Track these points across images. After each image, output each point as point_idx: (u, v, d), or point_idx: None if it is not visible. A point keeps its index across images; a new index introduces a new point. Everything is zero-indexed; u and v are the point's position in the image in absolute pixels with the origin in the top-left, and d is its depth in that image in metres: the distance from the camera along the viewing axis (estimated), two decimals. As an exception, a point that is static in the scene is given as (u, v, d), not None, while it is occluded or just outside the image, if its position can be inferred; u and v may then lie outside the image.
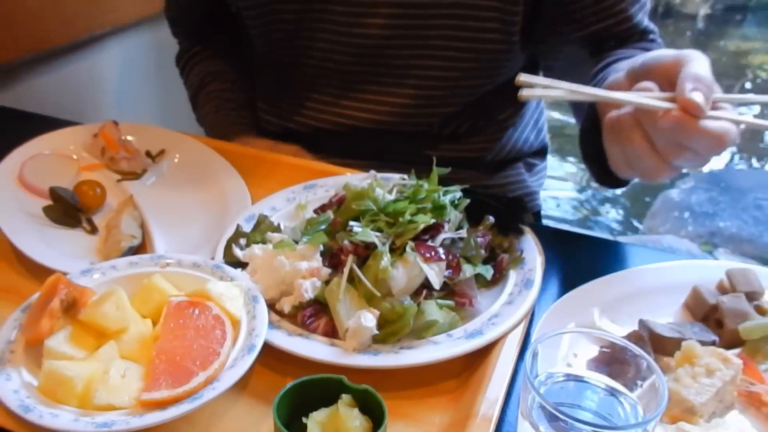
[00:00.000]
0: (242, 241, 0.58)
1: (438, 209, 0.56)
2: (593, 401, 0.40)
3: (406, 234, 0.53)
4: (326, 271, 0.52)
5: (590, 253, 0.65)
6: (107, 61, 1.19)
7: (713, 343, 0.51)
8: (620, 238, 2.51)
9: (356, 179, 0.64)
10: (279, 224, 0.60)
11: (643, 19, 0.77)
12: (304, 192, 0.67)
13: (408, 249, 0.52)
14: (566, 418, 0.34)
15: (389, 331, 0.49)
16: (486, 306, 0.54)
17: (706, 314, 0.54)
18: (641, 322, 0.52)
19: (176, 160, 0.75)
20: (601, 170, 0.64)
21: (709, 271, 0.58)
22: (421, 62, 0.78)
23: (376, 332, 0.48)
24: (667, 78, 0.53)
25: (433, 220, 0.54)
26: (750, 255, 2.48)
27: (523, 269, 0.57)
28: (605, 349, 0.43)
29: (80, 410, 0.41)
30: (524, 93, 0.52)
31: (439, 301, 0.52)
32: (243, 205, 0.67)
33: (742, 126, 0.53)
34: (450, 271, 0.53)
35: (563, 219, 2.87)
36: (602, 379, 0.41)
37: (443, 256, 0.52)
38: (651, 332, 0.51)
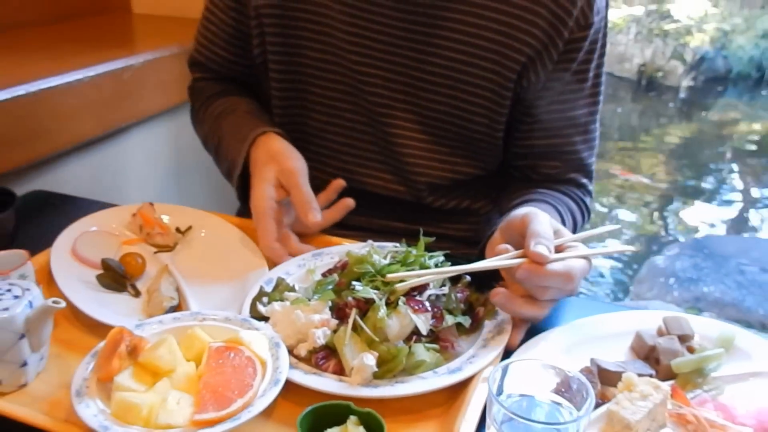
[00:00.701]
0: (264, 299, 0.70)
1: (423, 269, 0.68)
2: (542, 412, 0.52)
3: (398, 291, 0.65)
4: (334, 322, 0.65)
5: (558, 305, 0.77)
6: (132, 147, 1.35)
7: (651, 376, 0.62)
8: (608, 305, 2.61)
9: (356, 248, 0.77)
10: (294, 285, 0.73)
11: (582, 157, 0.94)
12: (312, 259, 0.80)
13: (400, 303, 0.64)
14: (520, 418, 0.46)
15: (386, 369, 0.61)
16: (465, 348, 0.66)
17: (647, 354, 0.66)
18: (592, 360, 0.64)
19: (202, 234, 0.88)
20: None
21: (650, 318, 0.71)
22: (414, 135, 0.91)
23: (376, 369, 0.60)
24: (520, 233, 0.68)
25: (417, 281, 0.66)
26: (734, 318, 2.58)
27: (496, 319, 0.69)
28: (561, 379, 0.55)
29: (146, 429, 0.52)
30: (397, 287, 0.65)
31: (427, 344, 0.64)
32: (260, 271, 0.79)
33: (583, 258, 0.68)
34: (434, 320, 0.65)
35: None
36: (549, 397, 0.53)
37: (429, 308, 0.65)
38: (599, 367, 0.63)
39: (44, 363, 0.65)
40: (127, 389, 0.55)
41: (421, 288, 0.67)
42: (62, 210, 1.02)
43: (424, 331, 0.64)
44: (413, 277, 0.66)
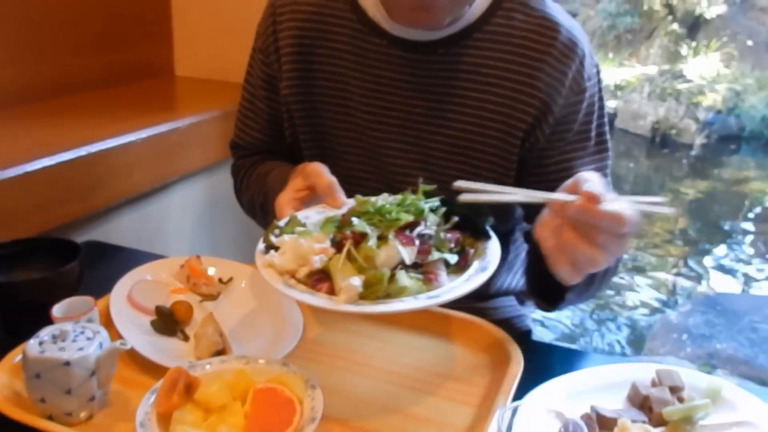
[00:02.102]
0: (276, 231, 0.77)
1: (418, 212, 0.75)
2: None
3: (390, 227, 0.72)
4: (332, 251, 0.71)
5: (563, 359, 0.85)
6: (175, 201, 1.46)
7: (644, 422, 0.70)
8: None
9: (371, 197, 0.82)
10: (305, 223, 0.79)
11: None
12: (331, 211, 0.83)
13: (390, 236, 0.71)
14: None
15: (370, 291, 0.67)
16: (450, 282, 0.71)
17: (641, 402, 0.74)
18: (591, 407, 0.72)
19: (243, 285, 0.98)
20: (544, 294, 0.82)
21: (645, 371, 0.78)
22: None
23: (361, 290, 0.67)
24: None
25: (410, 219, 0.73)
26: (747, 376, 2.61)
27: (484, 261, 0.74)
28: (563, 424, 0.63)
29: (203, 456, 0.61)
30: (462, 197, 0.70)
31: (412, 273, 0.70)
32: (295, 317, 0.88)
33: (641, 208, 0.68)
34: (421, 254, 0.71)
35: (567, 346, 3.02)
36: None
37: (416, 242, 0.71)
38: (598, 414, 0.70)
39: (107, 398, 0.74)
40: (185, 422, 0.64)
41: (413, 225, 0.73)
42: (113, 259, 1.13)
43: (407, 260, 0.69)
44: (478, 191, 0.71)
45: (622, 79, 9.28)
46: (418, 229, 0.73)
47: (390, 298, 0.68)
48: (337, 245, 0.72)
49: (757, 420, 0.71)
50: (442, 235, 0.74)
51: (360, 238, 0.71)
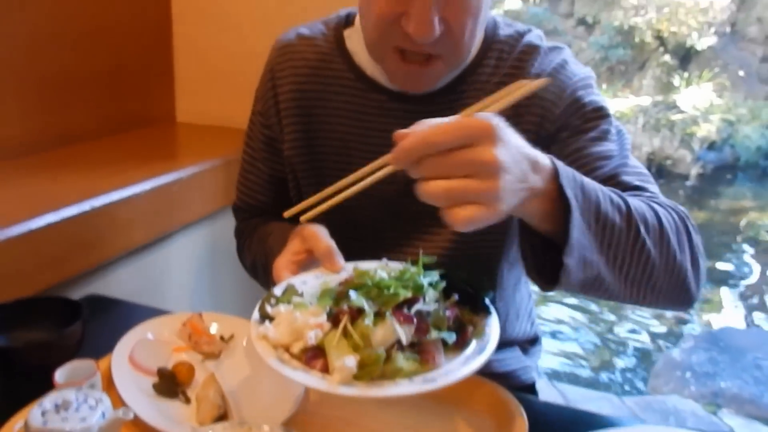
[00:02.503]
0: (272, 301, 0.76)
1: (417, 288, 0.73)
2: None
3: (388, 303, 0.70)
4: (328, 326, 0.70)
5: (567, 419, 0.85)
6: (176, 252, 1.46)
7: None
8: (627, 399, 2.62)
9: (372, 263, 0.82)
10: (301, 292, 0.78)
11: (632, 181, 0.86)
12: (330, 276, 0.83)
13: (387, 313, 0.69)
14: None
15: (365, 372, 0.65)
16: (448, 363, 0.69)
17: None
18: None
19: (244, 343, 0.97)
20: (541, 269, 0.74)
21: None
22: (413, 241, 0.99)
23: (355, 371, 0.65)
24: None
25: (408, 295, 0.71)
26: (753, 415, 2.58)
27: (483, 340, 0.72)
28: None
29: None
30: (302, 217, 0.71)
31: (407, 354, 0.68)
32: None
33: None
34: (418, 332, 0.69)
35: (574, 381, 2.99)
36: None
37: (414, 321, 0.69)
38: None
39: (109, 466, 0.73)
40: (190, 495, 0.63)
41: (411, 301, 0.71)
42: (113, 313, 1.12)
43: (404, 340, 0.68)
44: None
45: (617, 111, 9.39)
46: (417, 306, 0.71)
47: (385, 379, 0.66)
48: (334, 319, 0.71)
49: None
50: (441, 312, 0.73)
51: (357, 313, 0.70)
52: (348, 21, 1.02)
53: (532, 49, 0.96)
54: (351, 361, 0.65)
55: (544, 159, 0.67)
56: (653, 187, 0.88)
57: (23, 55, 1.40)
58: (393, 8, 0.84)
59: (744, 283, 4.79)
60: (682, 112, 8.48)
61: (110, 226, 1.23)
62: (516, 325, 1.11)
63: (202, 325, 0.97)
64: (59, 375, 0.79)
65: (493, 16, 1.01)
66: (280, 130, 1.03)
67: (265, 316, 0.75)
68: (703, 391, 2.70)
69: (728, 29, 11.74)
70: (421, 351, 0.69)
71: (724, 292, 4.51)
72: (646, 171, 0.91)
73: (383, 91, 0.97)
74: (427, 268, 0.78)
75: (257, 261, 1.06)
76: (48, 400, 0.72)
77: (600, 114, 0.93)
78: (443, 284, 0.77)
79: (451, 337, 0.71)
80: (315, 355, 0.69)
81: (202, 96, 1.86)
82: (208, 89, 1.85)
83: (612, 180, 0.87)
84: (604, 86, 11.25)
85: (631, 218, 0.74)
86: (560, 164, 0.69)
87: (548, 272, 0.72)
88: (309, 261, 0.85)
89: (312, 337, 0.69)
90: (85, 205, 1.17)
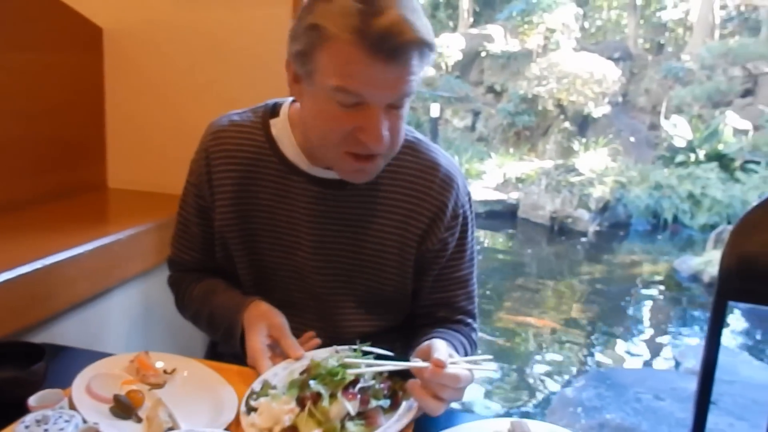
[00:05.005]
0: (254, 396, 1.00)
1: None
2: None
3: (338, 386, 0.96)
4: (297, 409, 0.95)
5: (452, 417, 1.08)
6: (116, 305, 1.63)
7: (500, 461, 0.94)
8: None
9: (320, 353, 1.10)
10: (275, 385, 1.04)
11: (465, 306, 1.26)
12: (294, 364, 1.10)
13: (339, 394, 0.95)
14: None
15: None
16: (386, 422, 0.96)
17: (501, 447, 0.98)
18: (462, 453, 0.95)
19: (185, 374, 1.16)
20: None
21: (504, 423, 1.03)
22: (341, 297, 1.24)
23: None
24: (427, 356, 1.00)
25: (352, 378, 0.97)
26: (634, 442, 2.91)
27: (410, 401, 0.99)
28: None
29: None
30: (347, 361, 1.00)
31: (357, 421, 0.94)
32: (229, 398, 1.08)
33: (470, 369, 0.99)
34: (362, 404, 0.95)
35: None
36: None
37: (358, 395, 0.96)
38: (466, 457, 0.94)
39: (78, 471, 0.91)
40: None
41: (355, 381, 0.98)
42: (63, 358, 1.28)
43: (352, 412, 0.94)
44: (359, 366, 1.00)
45: (523, 173, 10.05)
46: (359, 385, 0.98)
47: None
48: (301, 403, 0.96)
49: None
50: (377, 386, 1.00)
51: (317, 397, 0.96)
52: (274, 111, 1.24)
53: (434, 165, 1.22)
54: None
55: None
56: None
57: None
58: (351, 123, 1.02)
59: (639, 331, 5.24)
60: (580, 174, 9.18)
61: (56, 283, 1.39)
62: None
63: (148, 360, 1.15)
64: (33, 401, 0.96)
65: None
66: (212, 201, 1.23)
67: (250, 409, 1.00)
68: (591, 423, 3.01)
69: (620, 99, 12.88)
70: (366, 417, 0.96)
71: (623, 340, 4.94)
72: (473, 306, 1.31)
73: (302, 174, 1.20)
74: (365, 353, 1.05)
75: (201, 315, 1.28)
76: (29, 417, 0.89)
77: (474, 256, 1.28)
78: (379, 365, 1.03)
79: (386, 403, 0.99)
80: None
81: (134, 164, 2.05)
82: (140, 158, 2.04)
83: (453, 305, 1.29)
84: (511, 150, 12.01)
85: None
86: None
87: None
88: (274, 344, 1.15)
89: (287, 420, 0.95)
90: (37, 264, 1.34)
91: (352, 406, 0.94)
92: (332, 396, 0.95)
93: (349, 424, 0.93)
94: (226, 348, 1.28)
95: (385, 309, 1.27)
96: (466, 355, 1.24)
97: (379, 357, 1.04)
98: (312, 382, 0.97)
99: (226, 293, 1.26)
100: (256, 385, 1.04)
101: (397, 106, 1.04)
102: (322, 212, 1.20)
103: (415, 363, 0.99)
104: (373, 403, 0.97)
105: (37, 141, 1.80)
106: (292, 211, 1.21)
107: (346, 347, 1.10)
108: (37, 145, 1.79)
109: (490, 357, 1.06)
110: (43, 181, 1.82)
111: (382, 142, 1.03)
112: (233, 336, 1.20)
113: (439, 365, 0.96)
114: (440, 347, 0.99)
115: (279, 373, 1.08)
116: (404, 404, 0.99)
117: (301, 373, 1.04)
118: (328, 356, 1.06)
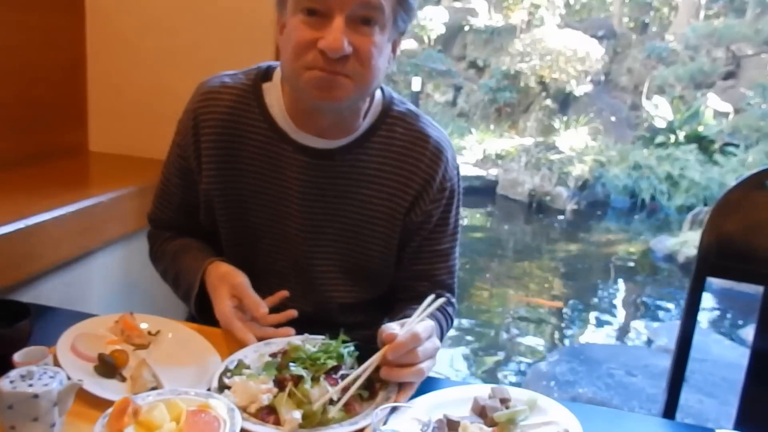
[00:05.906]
0: (228, 374, 1.00)
1: (339, 357, 1.01)
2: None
3: (320, 370, 0.97)
4: (275, 390, 0.95)
5: (432, 383, 1.11)
6: (98, 267, 1.63)
7: (480, 424, 0.96)
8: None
9: (296, 339, 1.09)
10: (249, 364, 1.03)
11: (445, 279, 1.27)
12: (264, 347, 1.10)
13: (321, 378, 0.96)
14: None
15: (308, 422, 0.92)
16: (365, 410, 0.97)
17: (480, 411, 1.00)
18: (444, 415, 0.97)
19: (169, 336, 1.17)
20: None
21: (484, 389, 1.05)
22: (326, 268, 1.25)
23: (301, 422, 0.91)
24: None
25: (334, 363, 0.99)
26: (605, 415, 2.99)
27: (387, 391, 1.01)
28: (422, 426, 0.88)
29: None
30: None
31: (337, 406, 0.95)
32: (213, 358, 1.09)
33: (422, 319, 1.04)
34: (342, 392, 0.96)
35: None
36: None
37: (339, 381, 0.96)
38: (447, 419, 0.96)
39: (64, 425, 0.91)
40: (135, 437, 0.84)
41: (336, 368, 0.99)
42: (47, 318, 1.28)
43: (334, 397, 0.95)
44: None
45: (503, 149, 10.08)
46: (341, 371, 1.00)
47: (322, 426, 0.93)
48: (279, 384, 0.97)
49: (559, 420, 0.99)
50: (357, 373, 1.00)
51: (298, 379, 0.96)
52: (267, 75, 1.23)
53: (424, 137, 1.22)
54: (297, 414, 0.92)
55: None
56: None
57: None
58: (312, 34, 1.03)
59: (612, 308, 5.35)
60: (560, 152, 9.25)
61: (41, 243, 1.39)
62: None
63: (133, 321, 1.16)
64: (18, 357, 0.96)
65: (390, 91, 1.26)
66: (197, 164, 1.23)
67: (222, 386, 0.99)
68: (564, 396, 3.08)
69: (603, 78, 12.92)
70: (346, 403, 0.97)
71: (594, 313, 5.03)
72: (453, 280, 1.33)
73: (290, 143, 1.20)
74: (345, 341, 1.05)
75: (168, 272, 1.29)
76: (14, 372, 0.89)
77: (458, 229, 1.30)
78: (357, 353, 1.04)
79: (365, 393, 1.00)
80: (269, 413, 0.94)
81: (116, 127, 2.03)
82: (122, 121, 2.01)
83: (433, 278, 1.30)
84: (492, 126, 12.01)
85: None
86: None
87: None
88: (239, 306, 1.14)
89: (265, 399, 0.94)
90: (20, 224, 1.32)
91: (333, 390, 0.95)
92: (314, 380, 0.96)
93: (330, 409, 0.94)
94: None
95: (369, 281, 1.28)
96: (442, 330, 1.25)
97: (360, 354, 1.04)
98: (292, 365, 0.98)
99: (192, 254, 1.26)
100: (231, 363, 1.04)
101: (363, 22, 1.04)
102: (312, 183, 1.20)
103: (375, 359, 1.00)
104: (352, 390, 0.97)
105: (17, 102, 1.76)
106: (282, 180, 1.21)
107: (320, 337, 1.09)
108: (16, 106, 1.76)
109: (441, 300, 1.10)
110: (24, 143, 1.80)
111: (338, 45, 1.02)
112: (190, 297, 1.22)
113: (391, 338, 0.98)
114: (387, 326, 1.02)
115: (249, 355, 1.08)
116: (382, 394, 1.00)
117: (272, 355, 1.05)
118: (305, 341, 1.06)
